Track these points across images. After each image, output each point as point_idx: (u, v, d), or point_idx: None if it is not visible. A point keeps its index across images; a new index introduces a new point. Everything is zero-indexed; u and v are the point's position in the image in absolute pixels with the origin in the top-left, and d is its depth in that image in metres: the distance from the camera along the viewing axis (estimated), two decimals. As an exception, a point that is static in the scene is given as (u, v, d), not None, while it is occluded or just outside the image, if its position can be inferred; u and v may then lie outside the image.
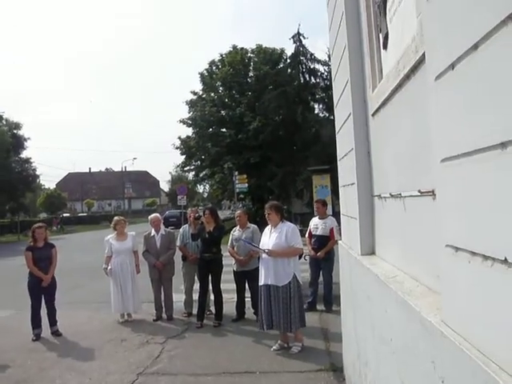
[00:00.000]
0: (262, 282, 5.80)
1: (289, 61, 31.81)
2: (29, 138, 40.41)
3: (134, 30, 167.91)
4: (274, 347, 5.83)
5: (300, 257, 6.22)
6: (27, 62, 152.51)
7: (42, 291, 6.93)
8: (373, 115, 3.10)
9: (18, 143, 39.02)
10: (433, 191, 1.82)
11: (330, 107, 26.77)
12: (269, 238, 5.82)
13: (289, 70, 30.92)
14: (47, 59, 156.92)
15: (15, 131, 38.76)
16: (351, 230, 3.90)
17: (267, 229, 6.02)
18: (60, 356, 6.05)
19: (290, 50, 32.45)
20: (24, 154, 41.02)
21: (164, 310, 7.69)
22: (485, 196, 1.22)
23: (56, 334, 6.94)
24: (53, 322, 7.03)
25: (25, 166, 41.17)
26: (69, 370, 5.48)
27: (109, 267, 7.52)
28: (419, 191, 2.06)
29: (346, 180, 4.13)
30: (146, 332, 6.90)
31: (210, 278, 7.23)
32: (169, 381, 5.03)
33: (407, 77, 2.17)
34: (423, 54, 1.78)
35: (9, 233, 38.59)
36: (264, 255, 5.74)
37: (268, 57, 33.28)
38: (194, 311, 7.74)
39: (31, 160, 41.81)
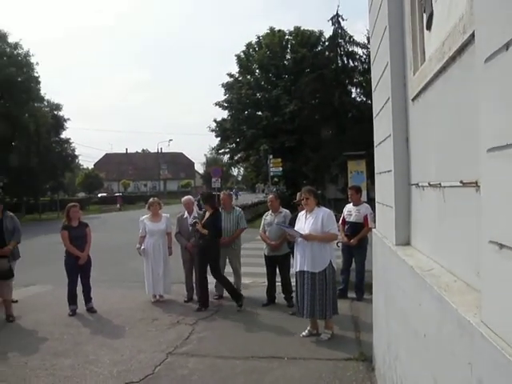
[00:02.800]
0: (297, 268, 5.72)
1: (327, 43, 31.24)
2: (68, 119, 41.23)
3: (172, 15, 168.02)
4: (304, 333, 5.79)
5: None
6: (69, 43, 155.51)
7: (78, 269, 7.11)
8: (413, 100, 2.96)
9: (59, 124, 39.94)
10: (476, 182, 1.71)
11: (367, 91, 26.19)
12: (304, 224, 5.72)
13: (327, 53, 30.35)
14: (88, 41, 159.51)
15: (56, 112, 39.69)
16: (386, 218, 3.79)
17: (301, 214, 5.93)
18: (94, 332, 6.20)
19: (328, 32, 31.90)
20: (64, 135, 42.04)
21: (195, 291, 7.76)
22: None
23: (91, 310, 7.12)
24: (88, 299, 7.22)
25: (64, 146, 42.21)
26: (101, 346, 5.62)
27: (142, 247, 7.63)
28: (461, 182, 1.94)
29: (382, 167, 4.00)
30: (177, 313, 6.99)
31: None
32: (197, 362, 5.08)
33: (453, 59, 2.03)
34: (472, 35, 1.65)
35: (49, 210, 39.87)
36: (300, 240, 5.66)
37: (306, 39, 32.80)
38: (225, 293, 7.81)
39: (70, 140, 42.90)
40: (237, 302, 7.12)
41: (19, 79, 32.24)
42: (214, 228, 7.17)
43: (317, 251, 5.54)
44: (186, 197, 8.31)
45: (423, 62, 2.69)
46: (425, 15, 2.60)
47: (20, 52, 33.78)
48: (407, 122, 3.18)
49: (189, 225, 7.35)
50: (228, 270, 7.86)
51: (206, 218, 7.24)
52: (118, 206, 46.74)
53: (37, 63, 34.58)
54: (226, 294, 7.77)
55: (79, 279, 7.19)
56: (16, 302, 7.46)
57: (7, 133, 31.74)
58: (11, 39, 33.44)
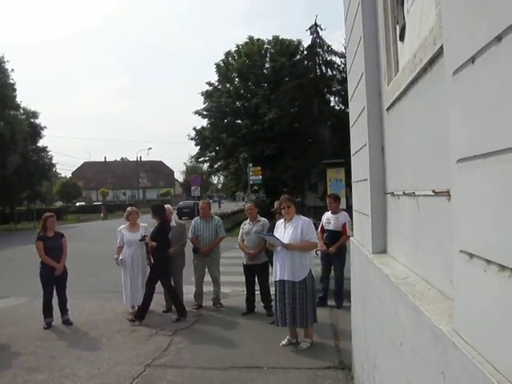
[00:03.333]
0: (277, 277, 5.69)
1: (306, 52, 31.55)
2: (45, 127, 40.54)
3: (155, 21, 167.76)
4: (283, 342, 5.78)
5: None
6: (45, 52, 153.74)
7: (53, 280, 6.97)
8: (387, 109, 3.00)
9: (35, 132, 39.31)
10: (448, 192, 1.73)
11: (346, 100, 26.39)
12: (284, 232, 5.71)
13: (305, 62, 30.67)
14: (67, 48, 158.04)
15: (32, 120, 39.03)
16: (363, 226, 3.82)
17: (280, 223, 5.93)
18: (70, 345, 6.07)
19: (307, 41, 32.20)
20: (41, 143, 41.37)
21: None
22: (503, 201, 1.12)
23: (67, 322, 6.98)
24: (64, 310, 7.07)
25: (41, 154, 41.48)
26: (78, 360, 5.50)
27: (120, 257, 7.52)
28: (433, 191, 1.96)
29: (358, 175, 4.03)
30: (156, 323, 6.90)
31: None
32: (176, 373, 5.01)
33: (424, 70, 2.06)
34: (441, 47, 1.67)
35: (25, 220, 39.12)
36: (280, 249, 5.65)
37: (285, 48, 33.03)
38: (204, 303, 7.75)
39: (48, 149, 42.18)
40: (178, 316, 7.08)
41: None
42: (162, 239, 7.16)
43: (297, 260, 5.55)
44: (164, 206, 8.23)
45: (397, 72, 2.73)
46: (398, 27, 2.65)
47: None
48: (382, 131, 3.22)
49: (138, 240, 7.28)
50: (207, 278, 7.82)
51: (153, 229, 7.26)
52: (102, 215, 45.68)
53: (12, 70, 34.18)
54: (205, 303, 7.73)
55: (55, 291, 7.04)
56: (-11, 315, 7.28)
57: (-18, 141, 31.17)
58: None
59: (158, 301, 7.77)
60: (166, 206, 8.24)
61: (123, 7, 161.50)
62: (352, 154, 4.44)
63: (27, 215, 39.99)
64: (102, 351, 5.81)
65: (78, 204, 61.80)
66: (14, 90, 34.95)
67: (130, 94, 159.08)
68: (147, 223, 8.12)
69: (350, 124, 4.47)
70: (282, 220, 5.92)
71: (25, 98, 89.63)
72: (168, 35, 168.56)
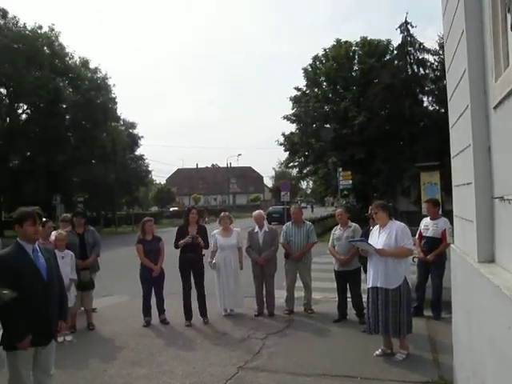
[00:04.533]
0: (369, 284, 5.53)
1: (396, 52, 30.51)
2: (142, 137, 43.53)
3: (238, 30, 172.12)
4: (377, 352, 5.57)
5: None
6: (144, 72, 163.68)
7: (152, 281, 7.34)
8: (495, 108, 2.77)
9: (133, 141, 42.16)
10: None
11: (440, 99, 25.27)
12: (378, 238, 5.54)
13: (396, 62, 29.62)
14: (161, 66, 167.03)
15: (131, 130, 41.93)
16: (466, 233, 3.57)
17: (375, 229, 5.76)
18: (167, 343, 6.35)
19: (396, 40, 31.15)
20: (138, 152, 44.29)
21: (266, 305, 7.73)
22: None
23: (164, 322, 7.32)
24: (161, 310, 7.43)
25: (139, 162, 44.39)
26: (175, 358, 5.75)
27: (213, 261, 7.74)
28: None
29: (460, 179, 3.78)
30: (248, 327, 6.99)
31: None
32: (268, 377, 5.03)
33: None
34: None
35: (124, 224, 41.82)
36: (374, 256, 5.49)
37: (373, 49, 32.23)
38: (295, 308, 7.72)
39: (144, 157, 45.00)
40: (203, 316, 7.40)
41: (98, 101, 34.31)
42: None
43: (391, 267, 5.34)
44: (256, 211, 8.34)
45: (507, 66, 2.52)
46: (509, 15, 2.43)
47: (99, 76, 36.17)
48: (489, 130, 2.99)
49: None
50: (298, 284, 7.78)
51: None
52: (206, 219, 45.53)
53: (114, 85, 36.76)
54: (296, 308, 7.71)
55: (153, 291, 7.42)
56: (95, 310, 7.83)
57: (87, 152, 33.95)
58: (92, 65, 36.00)
59: (250, 305, 7.88)
60: (257, 211, 8.37)
61: (212, 23, 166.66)
62: (452, 156, 4.18)
63: (126, 219, 42.70)
64: (197, 351, 6.01)
65: (171, 209, 64.70)
66: (116, 103, 37.67)
67: (219, 103, 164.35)
68: (239, 228, 8.27)
69: (450, 124, 4.21)
70: (377, 226, 5.75)
71: (123, 110, 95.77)
72: (255, 42, 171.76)
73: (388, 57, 31.90)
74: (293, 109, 34.00)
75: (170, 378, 5.11)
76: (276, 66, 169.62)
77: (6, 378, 3.72)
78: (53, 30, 33.35)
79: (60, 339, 4.18)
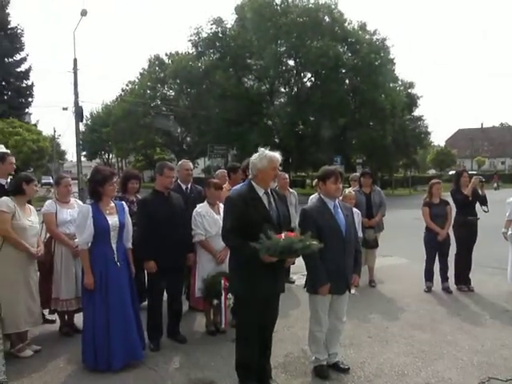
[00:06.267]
0: None
1: None
2: (421, 96, 41.92)
3: None
4: None
5: None
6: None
7: (437, 246, 7.01)
8: None
9: (412, 102, 40.92)
10: None
11: None
12: None
13: None
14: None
15: (409, 90, 40.85)
16: None
17: None
18: (450, 313, 6.02)
19: None
20: (416, 112, 42.84)
21: None
22: None
23: (447, 290, 6.93)
24: (444, 278, 7.06)
25: (417, 123, 42.92)
26: (459, 330, 5.40)
27: (509, 232, 6.82)
28: None
29: None
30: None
31: None
32: None
33: None
34: None
35: (400, 187, 41.51)
36: None
37: None
38: None
39: (423, 118, 43.26)
40: None
41: (376, 63, 34.47)
42: None
43: None
44: None
45: None
46: None
47: (377, 37, 36.50)
48: None
49: None
50: None
51: None
52: (496, 184, 41.68)
53: (392, 45, 36.30)
54: None
55: (437, 256, 7.09)
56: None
57: (366, 115, 34.85)
58: (369, 27, 36.56)
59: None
60: None
61: None
62: None
63: (402, 182, 42.26)
64: (486, 328, 5.48)
65: (450, 173, 60.64)
66: (394, 64, 37.29)
67: None
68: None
69: None
70: None
71: (402, 69, 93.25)
72: None
73: None
74: None
75: (455, 350, 4.80)
76: None
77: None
78: (332, -2, 35.06)
79: (352, 291, 4.45)
